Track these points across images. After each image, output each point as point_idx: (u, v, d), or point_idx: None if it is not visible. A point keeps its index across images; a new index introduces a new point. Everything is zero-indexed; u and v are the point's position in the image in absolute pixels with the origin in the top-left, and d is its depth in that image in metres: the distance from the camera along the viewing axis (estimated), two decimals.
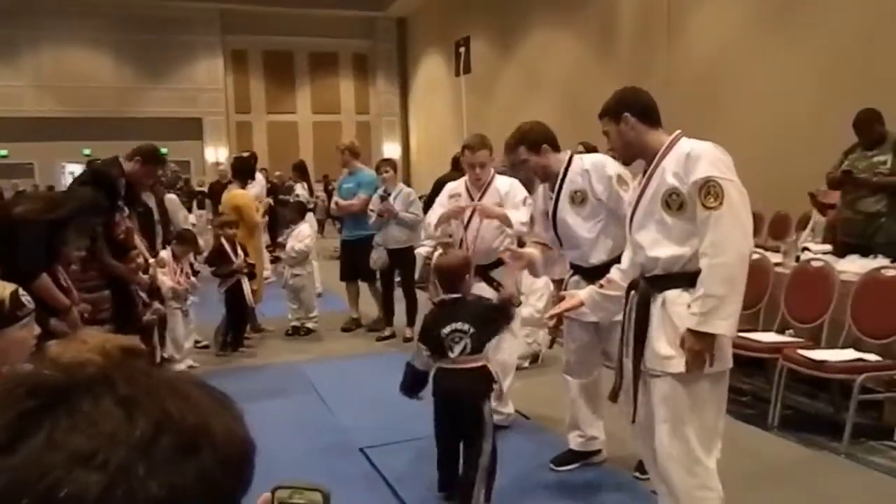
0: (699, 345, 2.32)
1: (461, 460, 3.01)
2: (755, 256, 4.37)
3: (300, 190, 9.21)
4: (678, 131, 2.53)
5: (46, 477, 0.44)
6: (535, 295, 5.20)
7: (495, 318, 3.03)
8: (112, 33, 16.97)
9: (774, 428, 3.82)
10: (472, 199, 4.01)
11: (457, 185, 4.17)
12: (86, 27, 16.69)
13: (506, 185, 4.01)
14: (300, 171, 9.82)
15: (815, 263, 4.29)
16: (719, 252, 2.30)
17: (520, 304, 4.07)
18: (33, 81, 16.59)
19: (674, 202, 2.41)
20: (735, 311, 2.33)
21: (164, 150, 16.99)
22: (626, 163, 2.64)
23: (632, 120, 2.53)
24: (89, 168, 4.42)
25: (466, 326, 2.90)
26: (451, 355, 2.90)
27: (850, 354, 3.72)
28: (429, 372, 3.01)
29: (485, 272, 3.94)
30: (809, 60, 7.37)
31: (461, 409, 2.95)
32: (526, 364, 5.11)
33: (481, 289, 3.91)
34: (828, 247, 4.78)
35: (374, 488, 3.36)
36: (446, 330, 2.90)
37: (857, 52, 6.82)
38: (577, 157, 3.40)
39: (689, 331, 2.33)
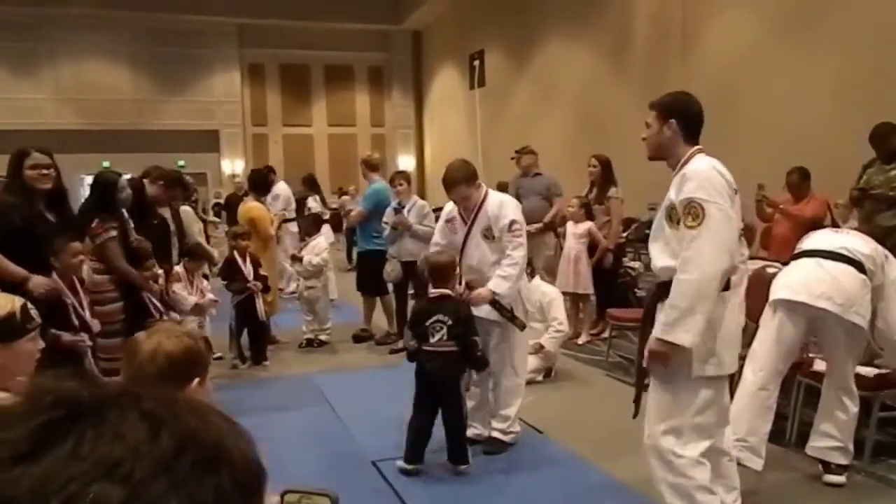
0: (660, 350, 2.54)
1: (429, 435, 3.60)
2: (771, 271, 4.33)
3: (312, 203, 9.17)
4: (695, 148, 2.65)
5: (68, 487, 0.44)
6: (552, 309, 5.20)
7: (469, 322, 3.58)
8: (131, 46, 17.21)
9: (792, 444, 3.76)
10: (465, 223, 3.89)
11: (451, 209, 4.03)
12: (105, 41, 16.94)
13: (494, 208, 3.83)
14: (310, 185, 9.79)
15: None
16: (689, 268, 2.47)
17: (524, 327, 3.98)
18: (53, 94, 16.84)
19: (674, 215, 2.59)
20: (697, 325, 2.46)
21: (181, 163, 17.09)
22: (652, 159, 2.76)
23: (675, 127, 2.64)
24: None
25: (446, 318, 3.49)
26: (432, 340, 3.50)
27: (870, 370, 3.66)
28: (416, 351, 3.58)
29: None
30: (824, 73, 7.34)
31: (440, 382, 3.53)
32: (539, 378, 5.09)
33: (485, 310, 3.79)
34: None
35: (386, 502, 3.35)
36: (430, 320, 3.51)
37: (872, 66, 6.77)
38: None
39: (655, 336, 2.57)
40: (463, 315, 3.54)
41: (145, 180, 4.72)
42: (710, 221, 2.44)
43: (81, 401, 0.49)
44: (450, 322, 3.47)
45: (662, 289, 2.64)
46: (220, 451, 0.50)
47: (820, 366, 3.74)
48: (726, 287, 2.59)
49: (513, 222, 3.78)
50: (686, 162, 2.61)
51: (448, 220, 4.03)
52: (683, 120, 2.66)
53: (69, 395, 0.49)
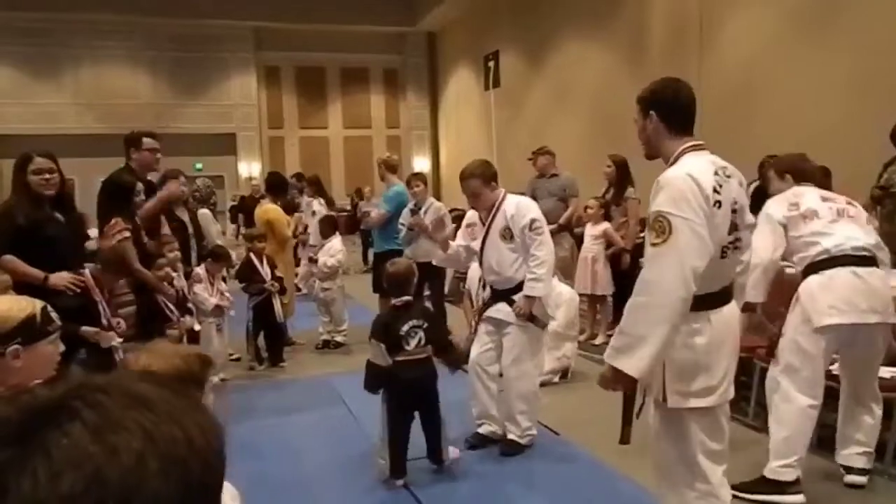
0: (609, 375, 2.23)
1: (409, 441, 3.54)
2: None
3: (317, 206, 8.99)
4: (685, 145, 2.37)
5: None
6: (558, 309, 5.16)
7: (442, 322, 3.63)
8: (149, 51, 17.40)
9: (813, 446, 3.71)
10: (484, 225, 3.93)
11: (472, 214, 4.10)
12: (124, 46, 17.15)
13: (511, 208, 3.85)
14: (316, 187, 9.54)
15: None
16: (646, 291, 2.18)
17: (545, 325, 4.00)
18: (74, 99, 17.06)
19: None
20: (651, 353, 2.15)
21: (199, 166, 17.22)
22: (648, 157, 2.52)
23: (655, 120, 2.38)
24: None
25: (421, 322, 3.45)
26: (408, 348, 3.42)
27: (892, 371, 3.60)
28: (388, 368, 3.43)
29: (506, 296, 3.86)
30: (843, 70, 7.24)
31: (422, 391, 3.49)
32: (555, 379, 5.07)
33: (503, 312, 3.86)
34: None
35: (402, 503, 3.35)
36: (405, 327, 3.42)
37: (892, 62, 6.68)
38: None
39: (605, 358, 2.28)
40: (434, 316, 3.57)
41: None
42: (676, 239, 2.14)
43: (17, 429, 0.46)
44: (425, 325, 3.45)
45: None
46: (182, 444, 0.49)
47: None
48: (725, 301, 2.35)
49: (533, 220, 3.80)
50: (675, 161, 2.35)
51: (469, 225, 4.10)
52: (663, 111, 2.37)
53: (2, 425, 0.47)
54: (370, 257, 9.25)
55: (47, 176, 3.49)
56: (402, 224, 6.05)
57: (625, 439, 2.52)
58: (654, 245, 2.19)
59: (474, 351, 4.01)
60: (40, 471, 0.44)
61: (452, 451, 3.65)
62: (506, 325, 3.87)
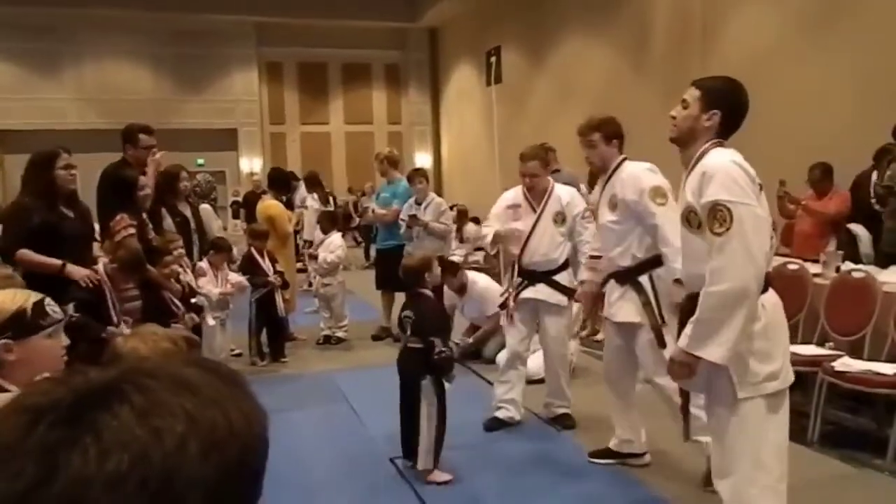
0: (684, 361, 2.32)
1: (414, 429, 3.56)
2: (792, 267, 4.29)
3: (310, 201, 8.76)
4: (711, 140, 2.42)
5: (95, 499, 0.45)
6: None
7: (437, 317, 3.66)
8: (151, 47, 17.37)
9: (815, 443, 3.72)
10: (534, 210, 4.07)
11: (514, 196, 4.19)
12: (126, 42, 17.11)
13: (566, 196, 4.13)
14: (310, 183, 9.44)
15: (856, 275, 4.19)
16: (717, 279, 2.22)
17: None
18: (76, 95, 17.04)
19: (693, 220, 2.37)
20: (730, 339, 2.22)
21: (200, 161, 17.14)
22: (675, 142, 2.51)
23: (717, 119, 2.41)
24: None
25: (410, 313, 3.57)
26: (405, 335, 3.60)
27: (893, 368, 3.60)
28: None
29: (547, 277, 4.07)
30: (847, 69, 7.22)
31: (403, 379, 3.60)
32: None
33: (545, 293, 4.05)
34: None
35: (403, 499, 3.35)
36: (402, 315, 3.64)
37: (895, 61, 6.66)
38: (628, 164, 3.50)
39: (680, 348, 2.33)
40: (423, 311, 3.56)
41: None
42: (740, 225, 2.20)
43: (69, 410, 0.49)
44: (413, 317, 3.54)
45: (693, 302, 2.38)
46: (223, 428, 0.51)
47: (843, 366, 3.69)
48: (768, 287, 2.36)
49: (585, 209, 4.13)
50: (702, 156, 2.39)
51: (511, 206, 4.17)
52: (729, 113, 2.42)
53: (52, 406, 0.49)
54: (372, 253, 9.23)
55: (73, 171, 3.60)
56: (403, 220, 6.07)
57: (687, 435, 2.61)
58: (717, 234, 2.24)
59: (514, 341, 4.15)
60: (91, 450, 0.47)
61: (440, 475, 3.47)
62: (547, 307, 4.08)
